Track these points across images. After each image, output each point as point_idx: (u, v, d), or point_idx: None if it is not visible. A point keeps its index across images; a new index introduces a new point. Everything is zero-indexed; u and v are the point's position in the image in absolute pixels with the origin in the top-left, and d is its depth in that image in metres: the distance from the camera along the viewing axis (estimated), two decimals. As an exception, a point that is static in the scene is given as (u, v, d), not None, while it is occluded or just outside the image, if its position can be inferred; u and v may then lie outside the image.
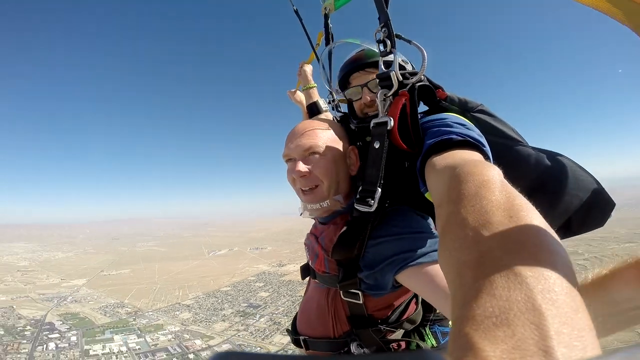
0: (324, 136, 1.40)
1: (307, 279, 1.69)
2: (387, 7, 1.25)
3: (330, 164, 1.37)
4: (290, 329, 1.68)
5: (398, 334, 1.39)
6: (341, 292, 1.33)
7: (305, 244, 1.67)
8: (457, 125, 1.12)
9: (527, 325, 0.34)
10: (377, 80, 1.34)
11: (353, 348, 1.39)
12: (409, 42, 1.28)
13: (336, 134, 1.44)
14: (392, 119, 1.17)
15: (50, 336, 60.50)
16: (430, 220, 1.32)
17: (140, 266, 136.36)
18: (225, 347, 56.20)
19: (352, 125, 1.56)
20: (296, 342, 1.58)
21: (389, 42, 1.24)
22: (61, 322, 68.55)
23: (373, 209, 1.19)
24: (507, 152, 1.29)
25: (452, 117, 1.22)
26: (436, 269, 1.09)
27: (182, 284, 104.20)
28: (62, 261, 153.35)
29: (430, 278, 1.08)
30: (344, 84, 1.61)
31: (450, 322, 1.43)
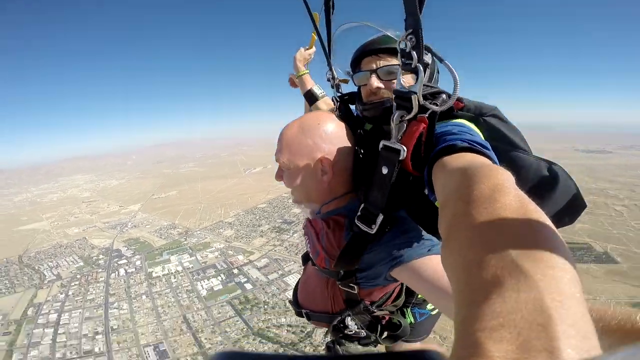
0: (291, 150, 1.44)
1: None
2: (420, 11, 1.00)
3: (297, 179, 1.45)
4: (292, 301, 1.95)
5: (385, 312, 1.63)
6: (339, 283, 1.46)
7: (304, 232, 1.73)
8: (462, 132, 1.11)
9: (534, 326, 0.35)
10: (388, 68, 1.37)
11: (348, 321, 1.70)
12: (441, 60, 1.12)
13: (305, 143, 1.42)
14: (405, 149, 1.10)
15: (119, 262, 67.53)
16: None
17: (184, 187, 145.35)
18: (264, 261, 60.88)
19: (357, 107, 1.57)
20: (299, 314, 1.85)
21: (415, 56, 1.06)
22: (126, 248, 75.77)
23: (373, 232, 1.23)
24: (511, 158, 1.29)
25: (457, 124, 1.22)
26: (422, 264, 1.18)
27: (223, 202, 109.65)
28: (117, 188, 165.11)
29: (417, 274, 1.17)
30: (354, 68, 1.56)
31: (428, 306, 1.81)
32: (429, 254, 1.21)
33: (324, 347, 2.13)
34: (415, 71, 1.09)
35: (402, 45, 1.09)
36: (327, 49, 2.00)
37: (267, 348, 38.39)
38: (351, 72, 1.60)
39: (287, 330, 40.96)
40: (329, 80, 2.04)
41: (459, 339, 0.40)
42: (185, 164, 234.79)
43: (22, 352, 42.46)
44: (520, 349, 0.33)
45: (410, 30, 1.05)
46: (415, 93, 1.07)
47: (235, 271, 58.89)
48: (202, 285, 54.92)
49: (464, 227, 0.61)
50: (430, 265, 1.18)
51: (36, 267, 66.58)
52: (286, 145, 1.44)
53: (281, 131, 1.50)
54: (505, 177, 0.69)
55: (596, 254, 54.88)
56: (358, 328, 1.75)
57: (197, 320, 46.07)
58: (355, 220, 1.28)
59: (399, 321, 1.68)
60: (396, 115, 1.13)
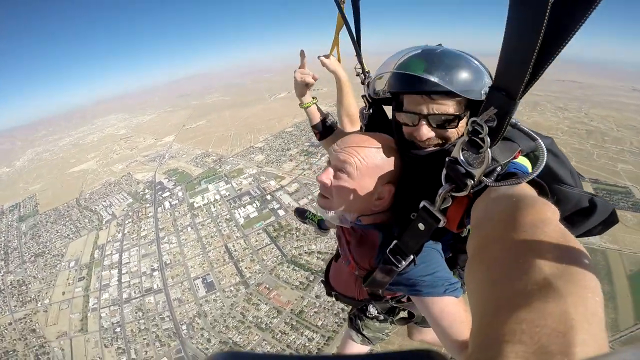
0: (365, 162, 1.31)
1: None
2: (529, 87, 0.74)
3: (351, 191, 1.34)
4: (324, 282, 2.11)
5: (404, 305, 1.83)
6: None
7: (337, 235, 1.81)
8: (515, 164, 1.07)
9: (554, 333, 0.37)
10: (444, 118, 1.22)
11: (370, 307, 1.98)
12: (534, 139, 0.95)
13: (381, 165, 1.33)
14: (445, 220, 1.07)
15: (163, 195, 69.80)
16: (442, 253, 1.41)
17: (213, 116, 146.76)
18: (295, 186, 61.43)
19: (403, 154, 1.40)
20: (329, 294, 2.05)
21: (488, 142, 0.87)
22: (167, 179, 78.05)
23: (400, 269, 1.27)
24: (553, 191, 1.20)
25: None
26: (434, 303, 1.26)
27: (251, 128, 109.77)
28: (149, 123, 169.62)
29: (427, 308, 1.28)
30: (396, 97, 1.39)
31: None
32: (443, 294, 1.26)
33: (347, 317, 2.57)
34: (477, 148, 0.92)
35: (475, 127, 0.88)
36: (355, 37, 1.78)
37: (300, 275, 41.30)
38: (387, 93, 1.46)
39: (317, 257, 43.06)
40: (358, 75, 1.84)
41: (480, 342, 0.43)
42: (211, 95, 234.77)
43: (96, 297, 45.41)
44: (536, 351, 0.35)
45: (495, 111, 0.83)
46: (473, 179, 0.94)
47: (269, 197, 60.53)
48: (239, 213, 57.24)
49: (499, 247, 0.62)
50: (439, 306, 1.25)
51: (93, 209, 71.05)
52: (360, 154, 1.31)
53: (354, 137, 1.37)
54: (550, 210, 0.69)
55: (634, 201, 49.57)
56: (378, 313, 2.03)
57: (237, 250, 48.87)
58: (387, 252, 1.28)
59: (409, 312, 1.97)
60: (444, 189, 1.02)
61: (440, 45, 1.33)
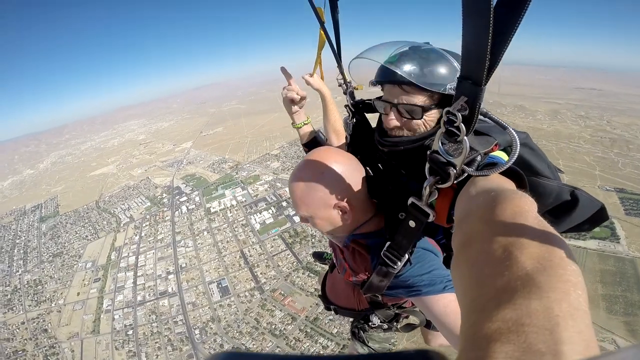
0: (306, 205, 1.38)
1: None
2: (489, 74, 0.77)
3: (318, 225, 1.44)
4: (321, 296, 2.15)
5: (406, 311, 1.86)
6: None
7: (330, 245, 1.87)
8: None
9: (541, 330, 0.37)
10: (410, 108, 1.30)
11: (372, 317, 1.97)
12: (505, 127, 0.99)
13: (323, 194, 1.34)
14: (434, 215, 1.09)
15: (180, 200, 70.13)
16: (438, 252, 1.46)
17: (230, 123, 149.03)
18: None
19: (375, 134, 1.52)
20: (327, 308, 2.08)
21: (464, 130, 0.89)
22: (185, 185, 78.39)
23: (397, 270, 1.29)
24: (531, 184, 1.14)
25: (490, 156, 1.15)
26: (435, 301, 1.27)
27: (267, 135, 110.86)
28: (168, 129, 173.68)
29: (429, 308, 1.29)
30: (379, 85, 1.45)
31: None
32: (443, 292, 1.28)
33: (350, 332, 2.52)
34: (459, 147, 0.95)
35: (449, 118, 0.91)
36: (335, 49, 1.88)
37: (315, 282, 40.53)
38: (375, 83, 1.49)
39: (332, 264, 42.14)
40: (340, 85, 1.96)
41: (467, 342, 0.43)
42: (228, 102, 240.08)
43: (110, 298, 45.73)
44: (525, 350, 0.35)
45: (465, 99, 0.86)
46: (455, 167, 0.96)
47: (284, 204, 60.34)
48: (255, 219, 57.35)
49: (480, 243, 0.63)
50: (441, 303, 1.26)
51: (112, 211, 72.39)
52: (300, 202, 1.40)
53: (290, 188, 1.43)
54: (528, 202, 0.70)
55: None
56: (381, 322, 2.00)
57: (253, 255, 48.81)
58: (382, 254, 1.30)
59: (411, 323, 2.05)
60: (429, 182, 1.03)
61: (427, 43, 1.39)
